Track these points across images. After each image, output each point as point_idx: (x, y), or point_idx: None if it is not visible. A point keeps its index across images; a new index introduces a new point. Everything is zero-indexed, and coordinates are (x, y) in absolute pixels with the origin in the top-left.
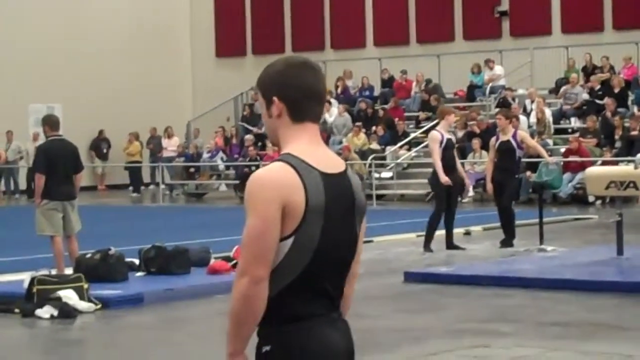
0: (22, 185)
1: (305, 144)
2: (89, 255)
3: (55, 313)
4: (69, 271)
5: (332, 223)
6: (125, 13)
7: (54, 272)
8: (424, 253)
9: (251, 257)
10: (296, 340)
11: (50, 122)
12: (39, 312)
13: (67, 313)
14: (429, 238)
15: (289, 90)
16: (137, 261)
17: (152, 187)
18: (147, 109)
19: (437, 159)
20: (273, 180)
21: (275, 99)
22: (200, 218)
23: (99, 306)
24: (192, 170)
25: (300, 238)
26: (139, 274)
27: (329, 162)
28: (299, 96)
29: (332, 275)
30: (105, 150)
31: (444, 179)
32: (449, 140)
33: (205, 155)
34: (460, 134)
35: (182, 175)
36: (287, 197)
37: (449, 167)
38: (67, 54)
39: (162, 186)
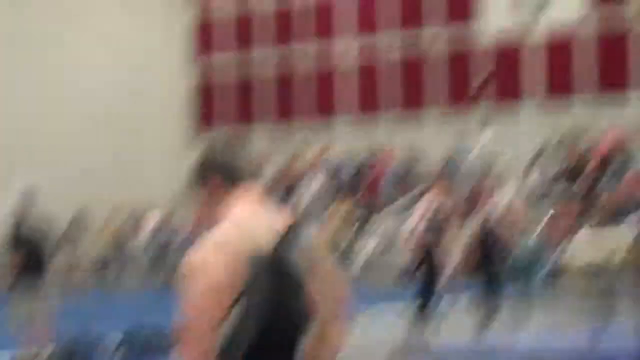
0: None
1: (238, 212)
2: None
3: None
4: None
5: (276, 298)
6: None
7: None
8: None
9: (189, 343)
10: None
11: None
12: None
13: None
14: None
15: (210, 169)
16: None
17: None
18: None
19: None
20: (205, 262)
21: (202, 181)
22: None
23: None
24: None
25: (241, 316)
26: None
27: (265, 229)
28: (219, 163)
29: (283, 348)
30: None
31: None
32: None
33: None
34: None
35: None
36: (222, 277)
37: None
38: None
39: None
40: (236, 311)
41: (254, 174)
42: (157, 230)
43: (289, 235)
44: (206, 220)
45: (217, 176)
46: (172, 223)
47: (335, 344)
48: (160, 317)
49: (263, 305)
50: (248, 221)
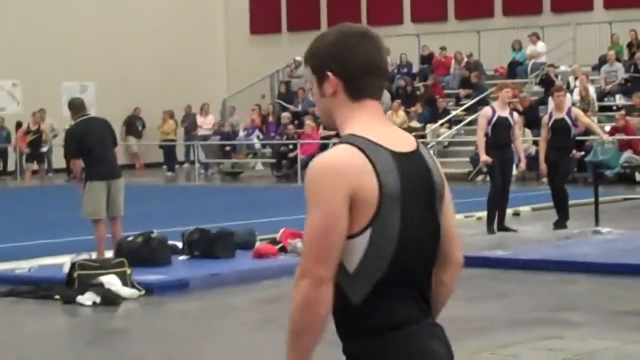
0: (57, 164)
1: (367, 122)
2: (130, 239)
3: (98, 300)
4: (109, 255)
5: (411, 211)
6: None
7: (94, 255)
8: (487, 234)
9: (313, 257)
10: (394, 355)
11: (73, 106)
12: (80, 298)
13: (110, 300)
14: (490, 219)
15: (345, 64)
16: (179, 244)
17: (186, 165)
18: (181, 87)
19: (480, 135)
20: (337, 165)
21: (329, 74)
22: (238, 198)
23: (142, 292)
24: (227, 148)
25: (378, 231)
26: (182, 257)
27: (397, 140)
28: (358, 70)
29: (419, 273)
30: (140, 129)
31: (483, 157)
32: (501, 117)
33: (241, 134)
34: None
35: (217, 154)
36: (356, 185)
37: (499, 145)
38: (100, 32)
39: (197, 165)
40: (374, 226)
41: (381, 86)
42: (214, 131)
43: (420, 152)
44: (326, 122)
45: (335, 76)
46: (226, 125)
47: (450, 287)
48: (223, 217)
49: (403, 217)
50: (380, 130)
